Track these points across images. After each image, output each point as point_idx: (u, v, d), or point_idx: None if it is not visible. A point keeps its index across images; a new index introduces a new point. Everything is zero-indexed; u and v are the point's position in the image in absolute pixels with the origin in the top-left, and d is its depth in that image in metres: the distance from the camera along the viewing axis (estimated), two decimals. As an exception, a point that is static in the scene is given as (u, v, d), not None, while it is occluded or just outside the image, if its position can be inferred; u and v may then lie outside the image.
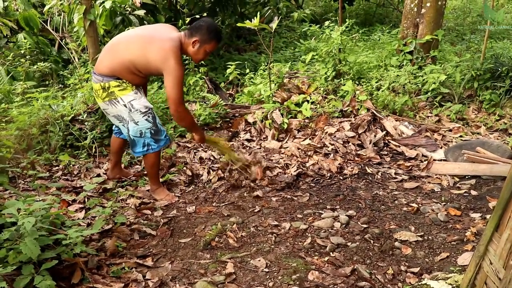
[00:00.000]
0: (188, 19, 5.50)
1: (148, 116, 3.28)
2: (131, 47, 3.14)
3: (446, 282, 2.35)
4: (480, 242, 2.05)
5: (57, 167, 4.09)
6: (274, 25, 4.75)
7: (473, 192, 3.73)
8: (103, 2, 5.77)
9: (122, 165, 4.12)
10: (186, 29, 3.30)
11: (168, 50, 3.05)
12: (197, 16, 5.93)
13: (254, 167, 3.84)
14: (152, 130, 3.31)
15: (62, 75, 6.22)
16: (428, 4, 5.88)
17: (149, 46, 3.08)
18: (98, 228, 2.77)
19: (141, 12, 6.38)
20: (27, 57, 6.26)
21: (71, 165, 4.07)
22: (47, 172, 3.96)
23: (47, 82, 6.15)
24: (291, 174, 3.99)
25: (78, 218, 3.16)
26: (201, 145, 4.44)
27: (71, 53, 6.74)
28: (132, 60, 3.11)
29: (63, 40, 7.03)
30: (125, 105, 3.21)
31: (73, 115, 4.44)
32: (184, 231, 3.16)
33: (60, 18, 7.18)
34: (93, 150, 4.29)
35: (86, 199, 3.48)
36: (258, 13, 4.87)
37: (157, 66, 3.08)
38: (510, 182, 1.82)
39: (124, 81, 3.19)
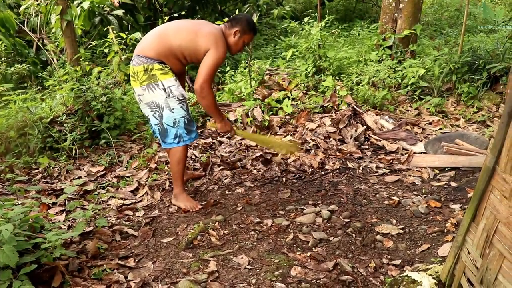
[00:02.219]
0: (166, 18, 5.46)
1: (183, 104, 3.27)
2: (181, 33, 3.19)
3: (426, 273, 2.38)
4: (458, 232, 2.08)
5: (36, 170, 4.03)
6: (253, 21, 4.74)
7: (453, 184, 3.77)
8: (81, 2, 5.71)
9: (103, 167, 4.10)
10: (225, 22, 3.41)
11: (217, 35, 3.19)
12: (176, 15, 5.91)
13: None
14: (186, 120, 3.29)
15: (40, 77, 6.13)
16: (405, -1, 5.93)
17: (198, 32, 3.17)
18: (79, 231, 2.75)
19: (120, 12, 6.34)
20: (3, 59, 6.16)
21: (50, 168, 4.02)
22: (26, 176, 3.91)
23: (25, 84, 6.07)
24: (273, 170, 4.00)
25: (59, 221, 3.12)
26: (229, 137, 4.54)
27: (50, 54, 6.65)
28: (181, 45, 3.16)
29: (40, 41, 6.93)
30: (164, 89, 3.18)
31: (52, 117, 4.39)
32: (166, 230, 3.14)
33: (38, 19, 7.08)
34: (73, 152, 4.24)
35: (66, 202, 3.44)
36: (237, 10, 4.86)
37: (206, 49, 3.14)
38: (485, 173, 1.85)
39: (167, 66, 3.21)
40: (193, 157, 4.28)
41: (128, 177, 3.95)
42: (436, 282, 2.25)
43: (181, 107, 3.24)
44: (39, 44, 6.95)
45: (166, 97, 3.19)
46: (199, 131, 4.73)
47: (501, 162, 1.75)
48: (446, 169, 4.03)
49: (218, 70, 5.45)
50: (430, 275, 2.34)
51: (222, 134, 3.92)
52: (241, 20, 3.30)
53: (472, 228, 1.96)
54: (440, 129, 4.85)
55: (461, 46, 5.66)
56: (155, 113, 3.25)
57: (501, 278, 1.74)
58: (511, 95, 1.62)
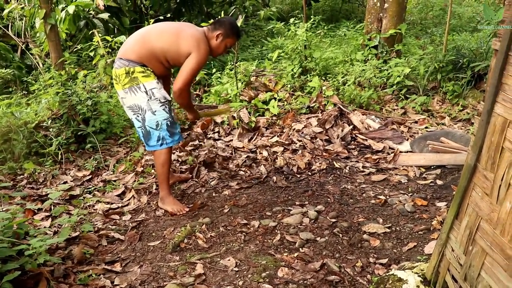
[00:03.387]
0: (152, 21, 5.44)
1: (166, 107, 3.27)
2: (164, 36, 3.19)
3: (412, 271, 2.39)
4: (442, 230, 2.09)
5: (21, 176, 4.00)
6: (238, 23, 4.74)
7: (439, 182, 3.80)
8: (66, 6, 5.67)
9: (89, 171, 4.07)
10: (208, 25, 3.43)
11: (199, 38, 3.19)
12: (162, 18, 5.89)
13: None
14: (169, 122, 3.29)
15: (26, 81, 6.08)
16: (390, -1, 5.97)
17: (180, 35, 3.17)
18: (65, 237, 2.73)
19: (105, 15, 6.30)
20: (-13, 64, 6.10)
21: (36, 173, 3.98)
22: (11, 181, 3.87)
23: (10, 89, 6.01)
24: (260, 172, 4.00)
25: (44, 227, 3.10)
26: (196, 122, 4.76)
27: (35, 58, 6.60)
28: (163, 48, 3.16)
29: (25, 45, 6.87)
30: (146, 92, 3.19)
31: (37, 122, 4.35)
32: (153, 234, 3.13)
33: (22, 23, 7.02)
34: (59, 156, 4.21)
35: (52, 207, 3.41)
36: (223, 12, 4.86)
37: (189, 52, 3.14)
38: (466, 170, 1.86)
39: (149, 68, 3.21)
40: (179, 159, 4.26)
41: (115, 181, 3.93)
42: (422, 280, 2.26)
43: (164, 109, 3.25)
44: (24, 48, 6.89)
45: (148, 100, 3.20)
46: (185, 133, 4.72)
47: (482, 160, 1.76)
48: (432, 167, 4.06)
49: (204, 72, 5.45)
50: (416, 273, 2.35)
51: (192, 121, 4.27)
52: (224, 23, 3.30)
53: (456, 226, 1.98)
54: (426, 127, 4.88)
55: (446, 45, 5.71)
56: (138, 116, 3.26)
57: (484, 274, 1.75)
58: (490, 93, 1.63)
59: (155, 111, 3.22)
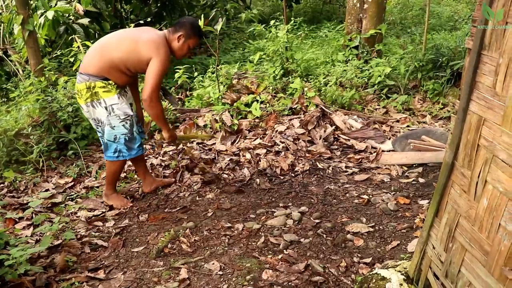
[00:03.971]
0: (132, 25, 5.41)
1: (126, 123, 3.29)
2: (123, 45, 3.17)
3: (395, 270, 2.41)
4: (423, 228, 2.11)
5: (1, 185, 3.94)
6: (218, 26, 4.75)
7: (421, 180, 3.84)
8: (45, 12, 5.61)
9: (71, 178, 4.03)
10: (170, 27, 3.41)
11: (159, 42, 3.16)
12: (142, 22, 5.86)
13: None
14: (127, 137, 3.33)
15: (5, 89, 5.99)
16: (370, 0, 6.01)
17: (140, 40, 3.15)
18: (46, 245, 2.69)
19: (85, 21, 6.24)
20: (-35, 71, 6.00)
21: (17, 181, 3.93)
22: (-9, 190, 3.82)
23: (-11, 97, 5.92)
24: (244, 174, 4.00)
25: (26, 236, 3.06)
26: (172, 144, 4.24)
27: (14, 65, 6.51)
28: (123, 58, 3.14)
29: (3, 52, 6.78)
30: (106, 108, 3.21)
31: (17, 129, 4.30)
32: (137, 240, 3.11)
33: (0, 29, 6.93)
34: (41, 164, 4.16)
35: (33, 216, 3.37)
36: (203, 15, 4.85)
37: (149, 58, 3.12)
38: (445, 168, 1.89)
39: (110, 82, 3.20)
40: (162, 164, 4.24)
41: (97, 187, 3.89)
42: (405, 278, 2.28)
43: (123, 125, 3.29)
44: (3, 55, 6.79)
45: (108, 115, 3.24)
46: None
47: (459, 157, 1.79)
48: (414, 165, 4.10)
49: (186, 76, 5.43)
50: (399, 271, 2.37)
51: (169, 143, 3.94)
52: (185, 24, 3.29)
53: (436, 223, 2.00)
54: (408, 126, 4.93)
55: (425, 44, 5.77)
56: (98, 128, 3.35)
57: (464, 270, 1.77)
58: (464, 91, 1.66)
59: (114, 126, 3.28)
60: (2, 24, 6.65)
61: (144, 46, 3.12)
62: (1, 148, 4.09)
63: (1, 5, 5.97)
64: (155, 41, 3.14)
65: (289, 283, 2.53)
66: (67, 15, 6.14)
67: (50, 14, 5.50)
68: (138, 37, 3.16)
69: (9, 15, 5.26)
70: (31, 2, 5.38)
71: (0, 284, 2.18)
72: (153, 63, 3.12)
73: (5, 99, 5.94)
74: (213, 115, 4.86)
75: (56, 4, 6.06)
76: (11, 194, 3.81)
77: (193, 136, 4.42)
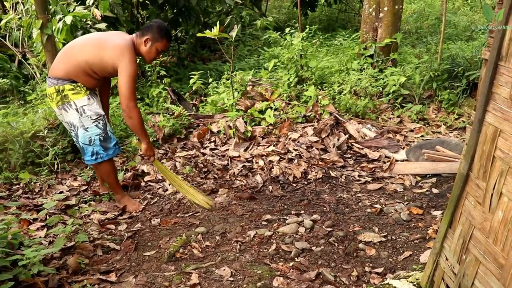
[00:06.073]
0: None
1: (99, 123, 3.31)
2: (86, 48, 3.19)
3: (407, 281, 2.39)
4: (436, 239, 2.10)
5: (17, 186, 3.99)
6: (234, 33, 4.77)
7: (434, 190, 3.81)
8: (64, 17, 5.69)
9: (85, 181, 4.06)
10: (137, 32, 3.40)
11: (123, 47, 3.15)
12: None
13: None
14: (101, 137, 3.33)
15: (23, 91, 6.09)
16: (385, 9, 6.01)
17: (104, 45, 3.16)
18: (59, 247, 2.72)
19: (103, 26, 6.31)
20: (-16, 74, 6.11)
21: (32, 183, 3.98)
22: (7, 191, 3.86)
23: (7, 99, 6.01)
24: (256, 181, 4.01)
25: (40, 237, 3.09)
26: (148, 160, 3.89)
27: (32, 68, 6.61)
28: (88, 61, 3.16)
29: (22, 55, 6.89)
30: (77, 110, 3.24)
31: (33, 131, 4.35)
32: (149, 244, 3.12)
33: (19, 33, 7.04)
34: (55, 166, 4.20)
35: (47, 217, 3.41)
36: (218, 22, 4.89)
37: (113, 63, 3.14)
38: (459, 179, 1.88)
39: (79, 84, 3.23)
40: (177, 169, 4.26)
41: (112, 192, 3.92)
42: (417, 289, 2.27)
43: (96, 125, 3.30)
44: (21, 58, 6.90)
45: (79, 117, 3.25)
46: (182, 143, 4.72)
47: (474, 168, 1.78)
48: (428, 175, 4.07)
49: (201, 82, 5.46)
50: (411, 282, 2.35)
51: (144, 156, 3.62)
52: (151, 28, 3.29)
53: (449, 235, 1.98)
54: (422, 136, 4.90)
55: (441, 54, 5.74)
56: (71, 132, 3.35)
57: (478, 283, 1.75)
58: (480, 102, 1.65)
59: (87, 128, 3.29)
60: (22, 28, 6.76)
61: (108, 51, 3.14)
62: (17, 150, 4.14)
63: (21, 10, 6.06)
64: (120, 47, 3.14)
65: (300, 291, 2.53)
66: (85, 20, 6.22)
67: (68, 19, 5.58)
68: (103, 42, 3.18)
69: (28, 19, 5.33)
70: (50, 7, 5.45)
71: (13, 283, 2.20)
72: (120, 70, 3.12)
73: (23, 102, 6.02)
74: (227, 121, 4.87)
75: (74, 9, 6.14)
76: (26, 195, 3.85)
77: (170, 177, 3.69)
